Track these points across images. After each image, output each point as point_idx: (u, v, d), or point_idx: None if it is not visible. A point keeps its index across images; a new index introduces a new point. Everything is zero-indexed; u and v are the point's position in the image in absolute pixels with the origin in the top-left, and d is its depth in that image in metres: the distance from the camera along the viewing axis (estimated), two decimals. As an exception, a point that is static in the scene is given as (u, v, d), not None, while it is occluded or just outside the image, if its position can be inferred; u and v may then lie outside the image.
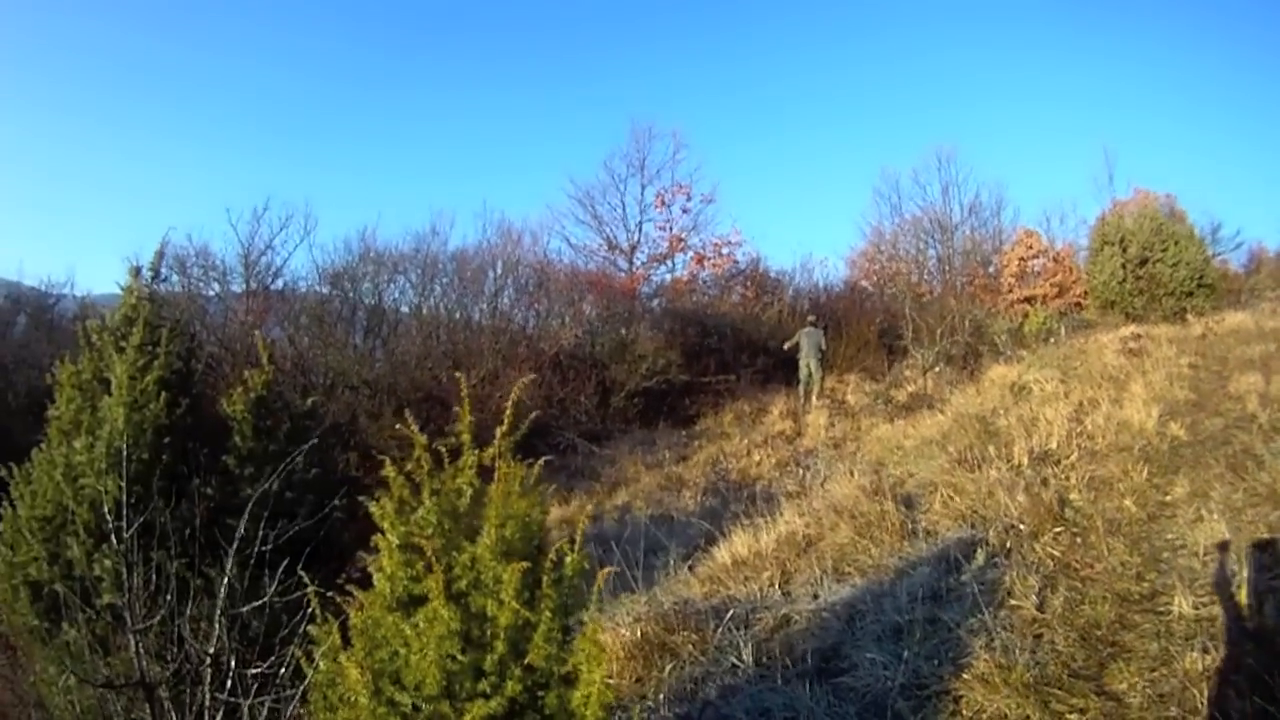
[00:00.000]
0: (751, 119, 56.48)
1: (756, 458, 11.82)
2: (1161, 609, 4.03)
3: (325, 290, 15.59)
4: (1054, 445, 7.23)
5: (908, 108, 55.75)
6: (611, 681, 2.07)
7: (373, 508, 2.06)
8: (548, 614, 1.97)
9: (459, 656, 1.90)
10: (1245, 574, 3.97)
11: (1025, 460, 6.86)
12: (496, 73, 58.81)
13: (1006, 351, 14.16)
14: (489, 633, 1.96)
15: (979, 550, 5.12)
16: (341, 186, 53.08)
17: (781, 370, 17.36)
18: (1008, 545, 5.20)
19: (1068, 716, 3.17)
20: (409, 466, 2.09)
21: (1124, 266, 15.13)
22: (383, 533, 2.05)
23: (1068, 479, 6.35)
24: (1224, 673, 3.25)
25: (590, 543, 8.47)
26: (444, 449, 2.11)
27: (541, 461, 2.19)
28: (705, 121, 54.33)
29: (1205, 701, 3.07)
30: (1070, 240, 25.45)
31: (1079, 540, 5.23)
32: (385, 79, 58.28)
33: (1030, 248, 23.31)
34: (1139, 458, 6.57)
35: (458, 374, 2.73)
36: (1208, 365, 9.81)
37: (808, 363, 15.58)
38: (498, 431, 2.13)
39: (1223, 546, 4.55)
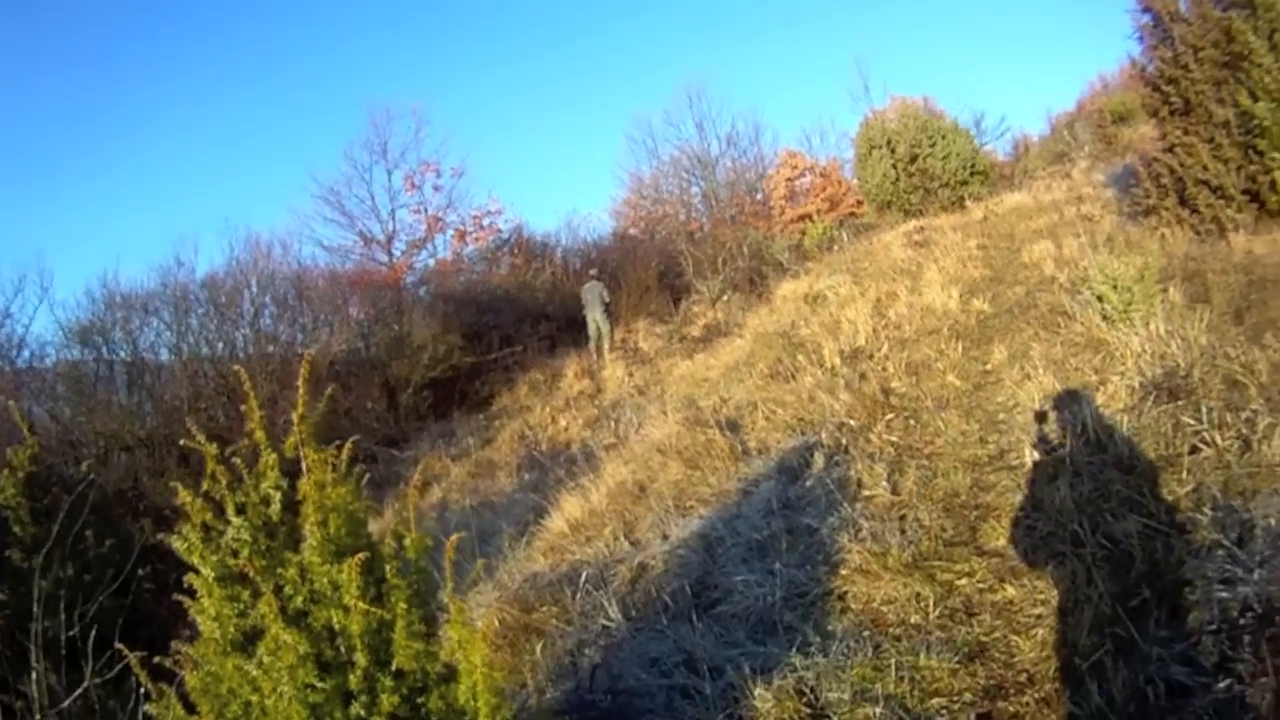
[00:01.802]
0: (491, 82, 55.72)
1: (563, 423, 12.14)
2: (1014, 464, 4.22)
3: (76, 351, 14.55)
4: (863, 342, 7.55)
5: (651, 49, 57.06)
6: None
7: (175, 541, 1.91)
8: (402, 607, 1.87)
9: (318, 684, 1.79)
10: (1087, 413, 4.21)
11: (838, 361, 7.11)
12: (210, 83, 54.22)
13: (792, 267, 14.78)
14: (344, 647, 1.86)
15: (816, 453, 5.22)
16: (70, 230, 47.21)
17: (567, 332, 17.82)
18: (843, 443, 5.32)
19: (957, 583, 3.21)
20: (205, 486, 1.95)
21: (895, 166, 16.18)
22: (195, 569, 1.89)
23: (885, 370, 6.63)
24: (1095, 501, 3.40)
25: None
26: (239, 459, 2.02)
27: (351, 442, 2.13)
28: (445, 92, 53.01)
29: (1088, 532, 3.18)
30: (834, 155, 27.09)
31: (913, 422, 5.44)
32: (91, 101, 52.23)
33: (795, 168, 24.52)
34: (950, 336, 6.97)
35: (237, 368, 2.46)
36: (996, 244, 10.61)
37: (594, 317, 15.95)
38: (295, 417, 2.07)
39: (1055, 397, 4.85)
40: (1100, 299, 5.77)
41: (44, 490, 4.59)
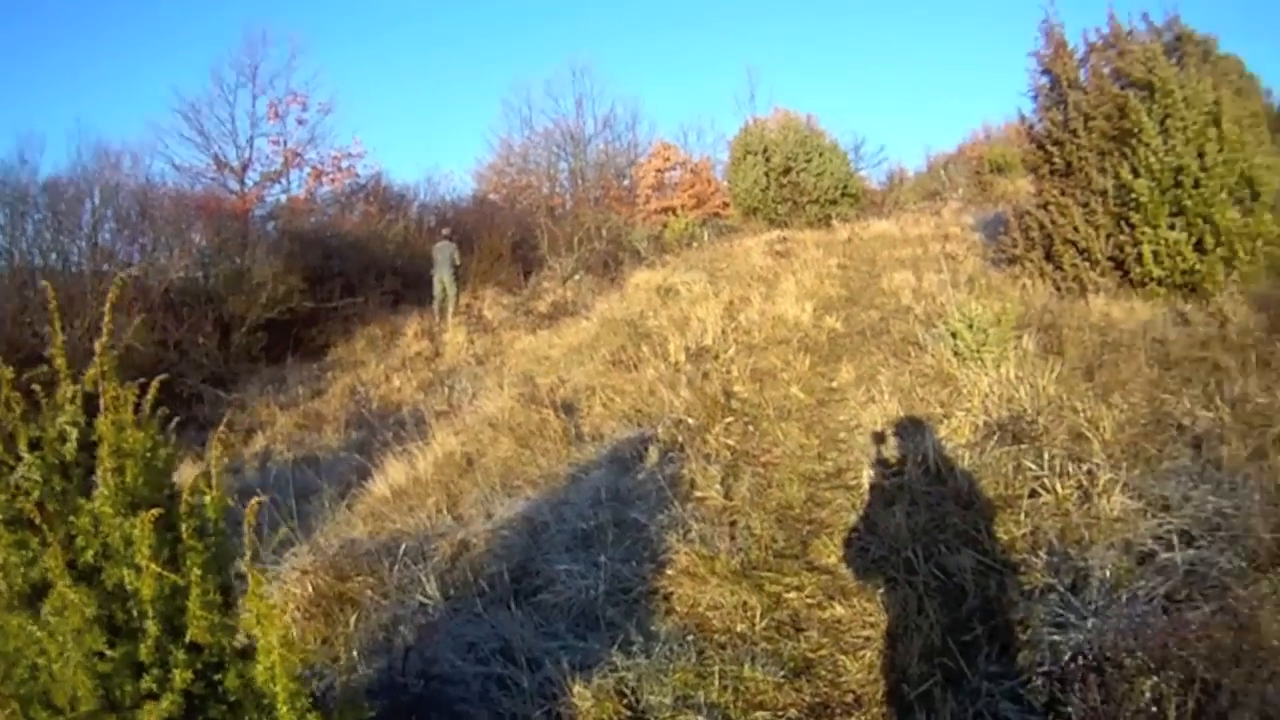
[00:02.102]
0: (373, 21, 53.48)
1: (396, 383, 11.88)
2: (851, 484, 4.18)
3: None
4: (710, 341, 7.49)
5: (543, 17, 56.16)
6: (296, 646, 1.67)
7: None
8: (197, 572, 1.68)
9: (108, 652, 1.62)
10: (929, 443, 4.21)
11: (683, 357, 7.02)
12: None
13: (649, 257, 14.74)
14: (135, 612, 1.68)
15: (651, 448, 5.07)
16: None
17: (413, 289, 17.45)
18: (679, 440, 5.19)
19: (785, 595, 3.10)
20: None
21: (767, 175, 16.40)
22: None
23: (729, 372, 6.57)
24: (931, 531, 3.36)
25: (232, 495, 7.75)
26: (38, 386, 1.78)
27: (158, 382, 1.90)
28: (324, 24, 50.42)
29: (920, 561, 3.13)
30: (708, 155, 27.46)
31: (752, 429, 5.37)
32: None
33: (668, 160, 24.71)
34: (799, 349, 6.98)
35: (44, 283, 2.10)
36: (856, 266, 10.83)
37: (441, 278, 15.59)
38: (96, 346, 1.81)
39: (898, 423, 4.86)
40: (954, 335, 5.85)
41: None
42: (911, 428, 4.72)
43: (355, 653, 3.32)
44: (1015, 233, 8.26)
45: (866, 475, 4.12)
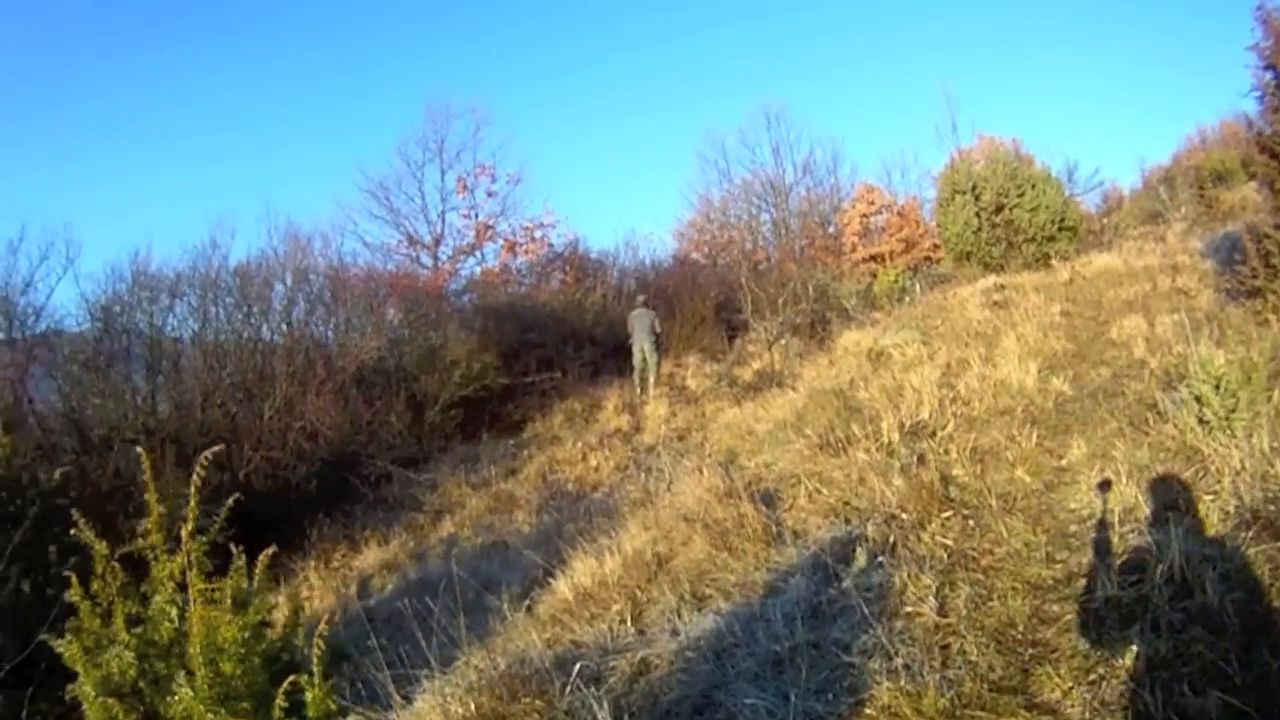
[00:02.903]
0: (559, 87, 56.35)
1: (593, 462, 12.02)
2: (1083, 595, 3.90)
3: (96, 327, 14.52)
4: (926, 416, 7.24)
5: (730, 62, 57.22)
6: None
7: (59, 646, 1.79)
8: None
9: None
10: (1174, 544, 3.88)
11: (896, 437, 6.80)
12: (270, 65, 55.64)
13: (858, 316, 14.50)
14: None
15: (858, 549, 4.93)
16: (106, 203, 48.67)
17: (612, 359, 17.88)
18: (891, 539, 5.02)
19: (1001, 745, 2.91)
20: (95, 586, 1.83)
21: (978, 215, 15.83)
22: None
23: (947, 453, 6.32)
24: (1173, 665, 3.09)
25: (408, 594, 8.11)
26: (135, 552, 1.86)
27: (269, 553, 2.11)
28: (508, 94, 53.91)
29: (1159, 704, 2.88)
30: (914, 193, 26.89)
31: (972, 524, 5.13)
32: (143, 77, 53.76)
33: (872, 203, 24.38)
34: (1024, 420, 6.64)
35: (139, 450, 2.30)
36: (1081, 312, 10.26)
37: (641, 347, 15.84)
38: (182, 534, 1.87)
39: (1137, 513, 4.52)
40: (1199, 400, 5.40)
41: (13, 492, 4.49)
42: (1153, 519, 4.38)
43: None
44: (1253, 260, 7.60)
45: (1101, 584, 3.84)
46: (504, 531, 9.80)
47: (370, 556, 10.74)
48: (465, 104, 32.59)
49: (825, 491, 6.11)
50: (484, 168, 24.41)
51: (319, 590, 10.18)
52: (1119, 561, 4.06)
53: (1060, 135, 56.27)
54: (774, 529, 5.74)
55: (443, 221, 24.21)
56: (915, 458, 6.25)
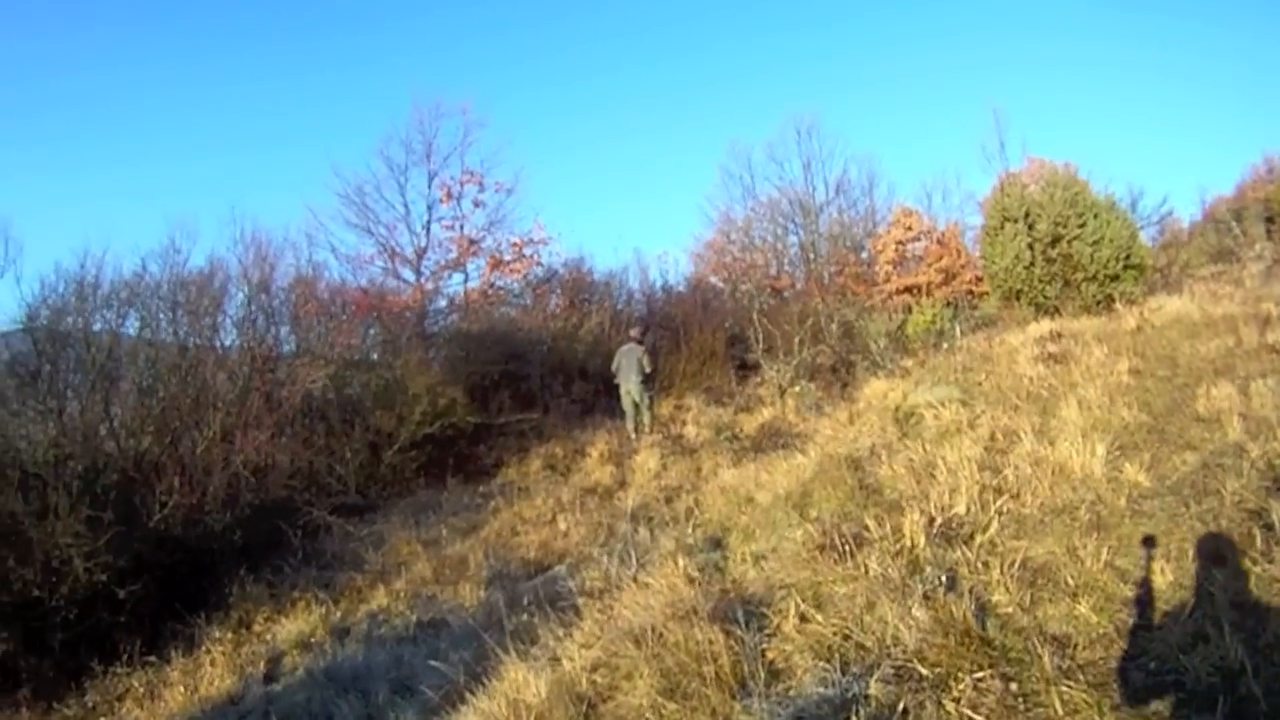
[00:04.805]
0: (569, 90, 55.62)
1: (563, 525, 11.18)
2: None
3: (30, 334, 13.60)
4: (962, 509, 6.07)
5: (760, 74, 56.48)
6: None
7: None
8: None
9: None
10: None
11: (922, 539, 5.62)
12: (242, 58, 55.24)
13: (887, 362, 13.35)
14: None
15: (855, 715, 3.78)
16: (60, 202, 48.32)
17: (606, 397, 17.13)
18: (901, 705, 3.86)
19: None
20: None
21: (1031, 247, 14.63)
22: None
23: (986, 568, 5.14)
24: None
25: (316, 686, 7.38)
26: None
27: None
28: (515, 100, 53.11)
29: None
30: (956, 218, 26.03)
31: (1014, 688, 3.95)
32: (104, 73, 53.62)
33: (909, 229, 23.53)
34: (1088, 525, 5.51)
35: None
36: (1154, 371, 9.12)
37: (629, 389, 15.11)
38: None
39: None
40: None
41: None
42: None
43: None
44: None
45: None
46: (444, 608, 9.03)
47: (296, 623, 9.80)
48: (457, 103, 31.63)
49: (821, 617, 4.94)
50: (472, 174, 23.35)
51: (222, 667, 9.17)
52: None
53: (1114, 161, 55.13)
54: (745, 669, 4.58)
55: (427, 233, 23.15)
56: (944, 575, 5.07)
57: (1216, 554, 4.81)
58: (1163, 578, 4.67)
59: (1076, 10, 51.43)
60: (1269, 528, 4.85)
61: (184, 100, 53.71)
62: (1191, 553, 4.89)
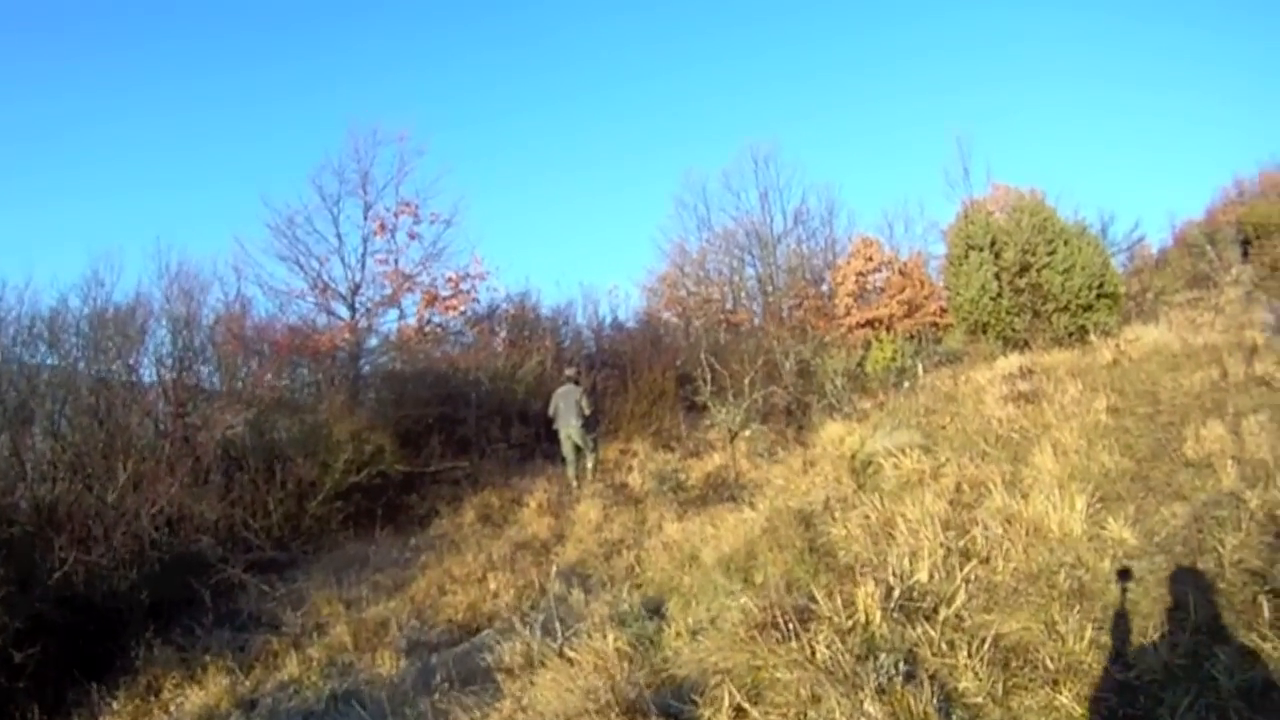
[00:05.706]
0: (516, 119, 55.45)
1: (493, 585, 10.47)
2: None
3: None
4: (924, 576, 5.48)
5: (715, 101, 56.68)
6: None
7: None
8: None
9: None
10: None
11: (878, 615, 5.01)
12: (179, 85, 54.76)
13: (844, 404, 12.84)
14: None
15: None
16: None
17: (547, 441, 16.51)
18: (851, 835, 3.25)
19: None
20: None
21: (998, 276, 14.26)
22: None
23: (953, 650, 4.54)
24: None
25: None
26: None
27: None
28: (454, 125, 52.63)
29: None
30: (919, 248, 25.89)
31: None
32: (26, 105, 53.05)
33: (870, 259, 23.47)
34: (1069, 593, 4.96)
35: None
36: (1134, 408, 8.66)
37: (569, 433, 14.61)
38: None
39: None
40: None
41: None
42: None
43: None
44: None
45: None
46: (361, 678, 8.36)
47: (207, 692, 9.13)
48: (394, 130, 30.98)
49: (758, 713, 4.32)
50: (407, 204, 22.61)
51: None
52: None
53: (1081, 186, 55.92)
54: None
55: (363, 267, 22.40)
56: (902, 660, 4.46)
57: (1217, 628, 4.26)
58: (1156, 657, 4.09)
59: (1039, 36, 52.15)
60: (1276, 594, 4.31)
61: (112, 133, 52.89)
62: (1188, 626, 4.33)
